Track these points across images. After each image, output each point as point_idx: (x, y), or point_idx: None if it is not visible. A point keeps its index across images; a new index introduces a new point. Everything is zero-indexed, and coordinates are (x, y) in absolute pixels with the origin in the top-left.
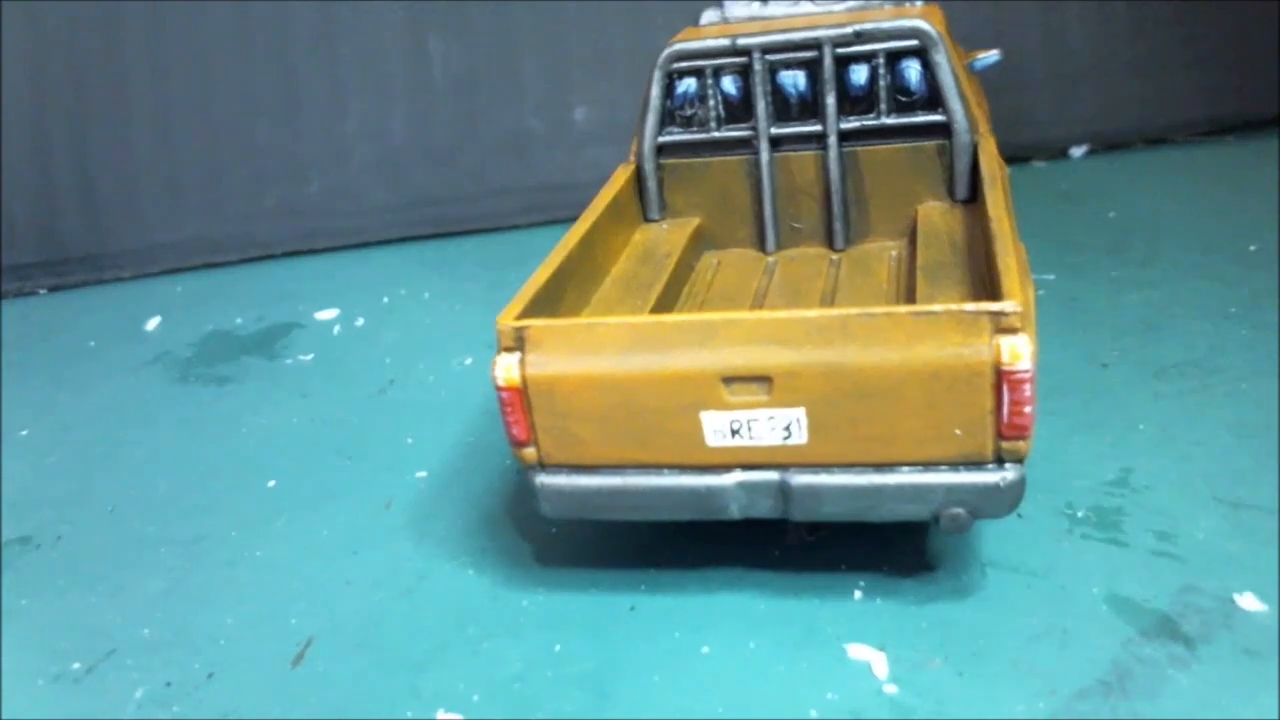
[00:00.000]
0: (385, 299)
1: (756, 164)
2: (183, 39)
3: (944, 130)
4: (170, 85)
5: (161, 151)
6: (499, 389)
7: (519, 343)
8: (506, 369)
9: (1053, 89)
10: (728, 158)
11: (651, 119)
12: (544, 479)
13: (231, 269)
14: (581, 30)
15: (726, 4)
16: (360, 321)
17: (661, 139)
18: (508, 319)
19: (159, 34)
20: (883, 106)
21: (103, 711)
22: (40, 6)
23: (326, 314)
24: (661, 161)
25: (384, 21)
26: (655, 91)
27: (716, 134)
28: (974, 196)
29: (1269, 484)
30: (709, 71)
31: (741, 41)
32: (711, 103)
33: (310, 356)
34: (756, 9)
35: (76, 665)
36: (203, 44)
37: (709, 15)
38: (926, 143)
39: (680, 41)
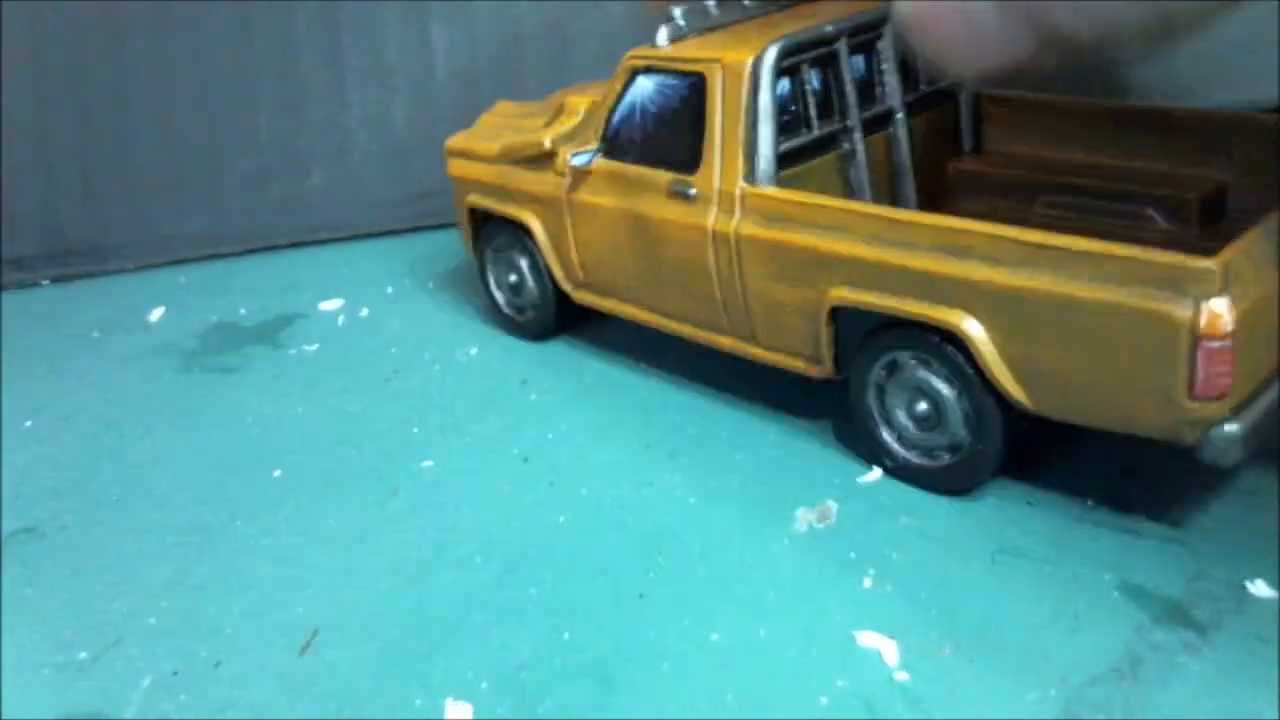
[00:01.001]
0: (390, 289)
1: (847, 156)
2: (185, 31)
3: (949, 92)
4: (172, 77)
5: (164, 143)
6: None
7: None
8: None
9: None
10: (824, 157)
11: (766, 131)
12: None
13: (235, 260)
14: (584, 20)
15: (676, 10)
16: (365, 312)
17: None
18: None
19: (161, 26)
20: (921, 76)
21: (110, 699)
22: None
23: (331, 304)
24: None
25: (385, 12)
26: (765, 98)
27: (817, 134)
28: (978, 145)
29: (1277, 472)
30: (805, 67)
31: (828, 29)
32: (811, 99)
33: (315, 346)
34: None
35: (83, 654)
36: (205, 36)
37: (665, 30)
38: (944, 105)
39: (645, 51)
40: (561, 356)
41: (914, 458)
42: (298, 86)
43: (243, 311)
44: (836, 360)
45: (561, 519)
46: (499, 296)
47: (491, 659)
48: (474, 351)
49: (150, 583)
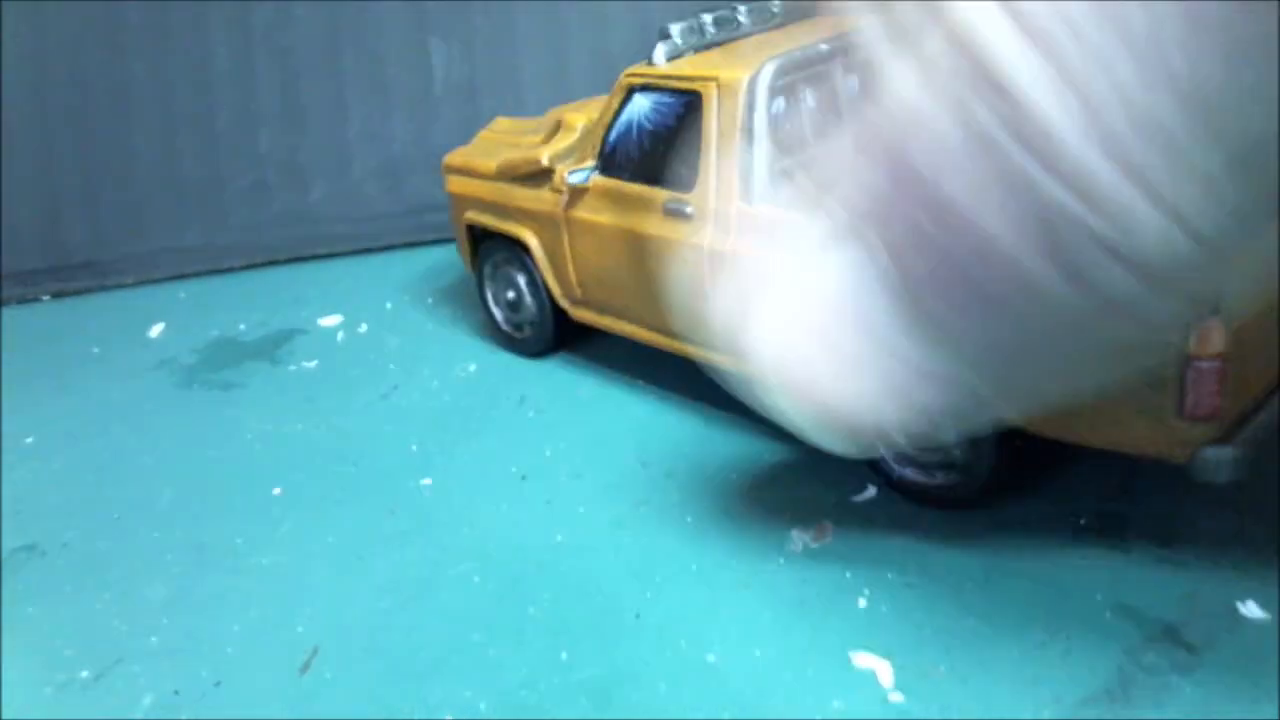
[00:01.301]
0: (388, 305)
1: None
2: (186, 46)
3: None
4: (173, 92)
5: (164, 158)
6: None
7: None
8: None
9: None
10: None
11: (761, 149)
12: None
13: (235, 275)
14: (582, 35)
15: (674, 28)
16: (363, 328)
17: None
18: None
19: (162, 41)
20: None
21: (113, 718)
22: (44, 14)
23: (330, 320)
24: None
25: (385, 27)
26: (760, 117)
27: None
28: None
29: (1270, 492)
30: (800, 85)
31: (823, 48)
32: (806, 117)
33: (314, 363)
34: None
35: (85, 673)
36: (205, 51)
37: (663, 48)
38: None
39: (642, 69)
40: (559, 374)
41: (910, 474)
42: (297, 102)
43: (242, 327)
44: None
45: (559, 537)
46: (497, 313)
47: (490, 678)
48: (472, 368)
49: (151, 600)
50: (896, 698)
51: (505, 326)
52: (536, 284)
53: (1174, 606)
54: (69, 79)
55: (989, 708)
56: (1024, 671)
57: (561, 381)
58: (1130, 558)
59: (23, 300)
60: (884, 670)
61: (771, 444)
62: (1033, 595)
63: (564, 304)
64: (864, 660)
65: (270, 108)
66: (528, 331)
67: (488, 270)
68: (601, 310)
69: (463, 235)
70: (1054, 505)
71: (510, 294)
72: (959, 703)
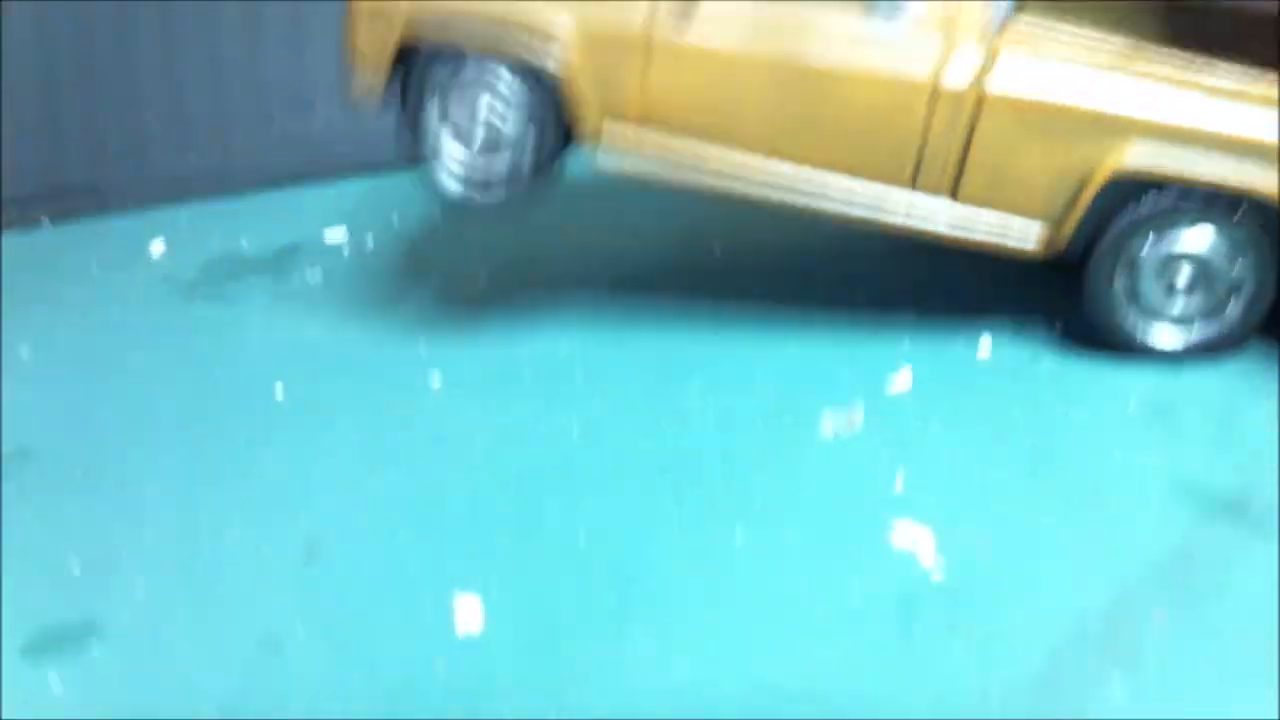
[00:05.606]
0: (395, 220)
1: None
2: None
3: None
4: (176, 15)
5: (167, 81)
6: None
7: None
8: None
9: None
10: None
11: None
12: None
13: (238, 197)
14: None
15: None
16: (370, 243)
17: None
18: None
19: None
20: None
21: (105, 609)
22: None
23: (335, 236)
24: None
25: None
26: None
27: None
28: None
29: None
30: None
31: None
32: None
33: (319, 276)
34: None
35: (77, 570)
36: None
37: None
38: None
39: None
40: (569, 269)
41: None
42: (301, 25)
43: (245, 243)
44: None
45: (576, 432)
46: (454, 155)
47: (502, 566)
48: (481, 283)
49: (148, 500)
50: (938, 576)
51: (465, 172)
52: (528, 106)
53: (1231, 485)
54: (72, 3)
55: (1040, 585)
56: (1078, 552)
57: (573, 274)
58: (1184, 438)
59: (22, 224)
60: (926, 549)
61: (797, 336)
62: (1084, 480)
63: (602, 124)
64: (903, 540)
65: (275, 30)
66: (501, 172)
67: (431, 101)
68: (680, 131)
69: (382, 58)
70: (1100, 395)
71: (481, 126)
72: (1005, 581)
